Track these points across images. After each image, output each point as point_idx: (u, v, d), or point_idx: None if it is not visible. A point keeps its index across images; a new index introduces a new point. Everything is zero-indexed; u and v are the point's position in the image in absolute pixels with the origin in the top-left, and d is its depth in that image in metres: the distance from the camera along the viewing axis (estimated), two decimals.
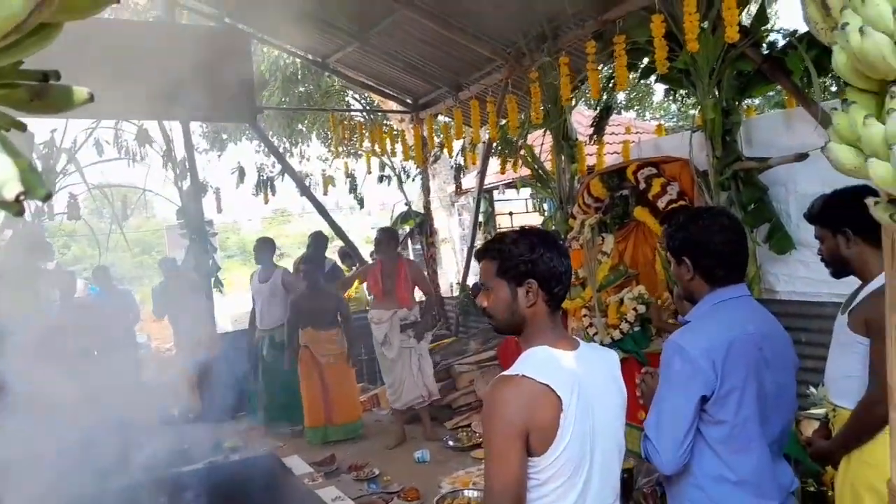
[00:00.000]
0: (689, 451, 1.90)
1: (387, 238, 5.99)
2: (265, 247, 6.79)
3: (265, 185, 8.15)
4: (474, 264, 10.77)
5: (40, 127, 7.07)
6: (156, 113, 7.40)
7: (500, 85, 6.83)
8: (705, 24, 4.41)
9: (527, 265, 1.68)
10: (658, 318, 3.80)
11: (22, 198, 0.61)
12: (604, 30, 5.34)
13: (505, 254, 1.70)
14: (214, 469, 4.56)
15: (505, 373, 1.63)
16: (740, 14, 4.20)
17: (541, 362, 1.63)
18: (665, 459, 1.89)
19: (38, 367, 4.11)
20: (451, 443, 5.74)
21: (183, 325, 7.01)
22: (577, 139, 6.20)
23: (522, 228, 1.83)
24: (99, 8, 0.75)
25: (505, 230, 2.03)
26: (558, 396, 1.56)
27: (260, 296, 6.65)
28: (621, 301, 4.95)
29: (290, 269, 6.88)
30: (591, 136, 6.26)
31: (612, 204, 5.63)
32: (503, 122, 6.91)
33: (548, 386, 1.56)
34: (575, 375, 1.63)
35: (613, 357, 1.83)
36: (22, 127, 0.84)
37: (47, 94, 0.81)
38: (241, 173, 8.16)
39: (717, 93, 4.81)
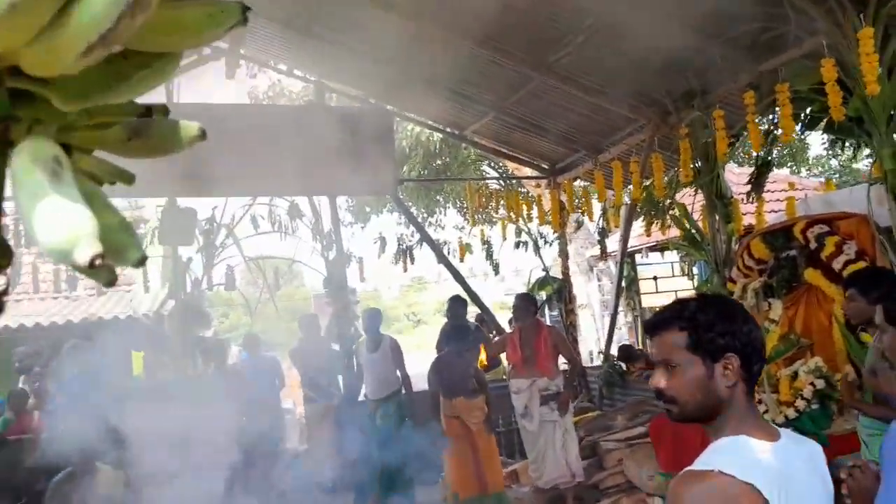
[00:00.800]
0: None
1: (525, 303, 5.80)
2: (375, 316, 6.74)
3: (404, 254, 8.29)
4: (617, 332, 10.27)
5: (202, 204, 7.67)
6: (306, 189, 7.82)
7: (642, 145, 6.58)
8: (879, 69, 3.98)
9: (726, 337, 1.40)
10: (850, 395, 3.29)
11: (98, 262, 0.48)
12: (759, 82, 5.00)
13: (699, 323, 1.42)
14: None
15: (694, 468, 1.36)
16: None
17: (740, 455, 1.36)
18: None
19: (192, 429, 4.27)
20: None
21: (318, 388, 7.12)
22: (732, 197, 5.77)
23: (704, 294, 1.59)
24: (217, 32, 0.63)
25: (682, 297, 1.76)
26: (765, 500, 1.29)
27: (372, 365, 6.60)
28: (795, 375, 4.40)
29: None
30: (748, 194, 5.80)
31: (778, 266, 5.13)
32: (647, 182, 6.63)
33: (751, 485, 1.29)
34: (781, 472, 1.35)
35: (819, 451, 1.50)
36: (129, 179, 0.72)
37: (149, 132, 0.68)
38: (383, 243, 8.37)
39: None
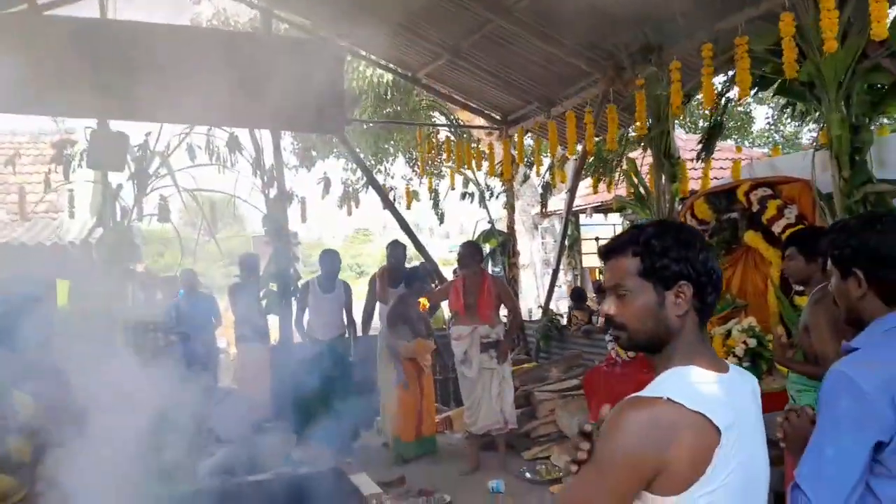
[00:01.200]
0: None
1: (470, 252, 5.73)
2: (335, 258, 6.70)
3: (349, 197, 8.07)
4: (557, 290, 10.37)
5: (135, 130, 7.23)
6: (247, 121, 7.47)
7: (596, 100, 6.50)
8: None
9: (679, 264, 1.34)
10: (782, 353, 3.33)
11: None
12: (716, 39, 4.95)
13: (652, 249, 1.35)
14: (281, 480, 4.36)
15: (641, 393, 1.29)
16: (890, 7, 3.74)
17: (691, 385, 1.30)
18: None
19: (118, 364, 4.06)
20: (528, 475, 5.35)
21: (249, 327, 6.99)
22: (679, 157, 5.78)
23: (662, 221, 1.50)
24: None
25: (639, 223, 1.69)
26: (715, 427, 1.23)
27: (324, 305, 6.47)
28: (728, 333, 4.48)
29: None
30: (698, 155, 5.81)
31: (720, 227, 5.19)
32: (598, 138, 6.57)
33: (701, 415, 1.23)
34: (731, 405, 1.30)
35: (757, 387, 1.46)
36: None
37: None
38: (327, 184, 8.12)
39: (844, 109, 4.33)
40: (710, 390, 1.30)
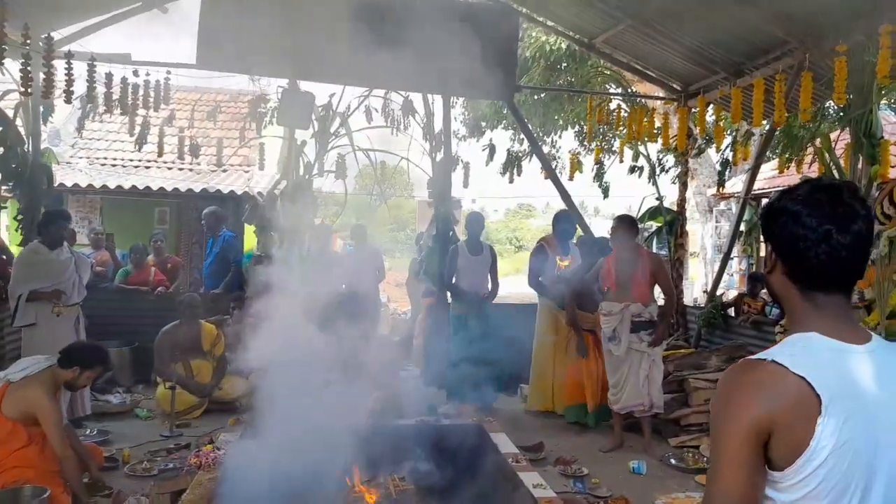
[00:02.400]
0: None
1: (624, 225, 5.48)
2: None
3: (513, 164, 8.07)
4: (727, 279, 9.72)
5: (321, 90, 7.75)
6: (421, 85, 7.70)
7: (789, 71, 5.93)
8: None
9: (766, 223, 1.32)
10: None
11: None
12: None
13: (769, 211, 1.34)
14: (424, 427, 4.54)
15: (750, 357, 1.24)
16: None
17: (800, 349, 1.23)
18: None
19: (292, 307, 4.42)
20: (673, 461, 5.13)
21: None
22: (882, 137, 5.13)
23: (808, 181, 1.37)
24: None
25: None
26: (817, 396, 1.15)
27: (473, 267, 6.61)
28: None
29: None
30: None
31: None
32: (788, 115, 6.01)
33: (804, 380, 1.16)
34: (851, 374, 1.20)
35: None
36: None
37: None
38: (492, 151, 8.18)
39: None
40: (822, 357, 1.21)
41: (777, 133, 6.37)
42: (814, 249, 1.24)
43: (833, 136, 7.34)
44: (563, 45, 10.39)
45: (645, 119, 7.44)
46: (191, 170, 10.33)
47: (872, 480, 1.18)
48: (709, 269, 12.09)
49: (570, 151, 8.79)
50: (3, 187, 7.24)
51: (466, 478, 3.78)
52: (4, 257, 6.69)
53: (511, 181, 8.10)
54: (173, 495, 3.53)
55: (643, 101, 8.27)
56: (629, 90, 8.64)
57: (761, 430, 1.16)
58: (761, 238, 10.30)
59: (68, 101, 6.28)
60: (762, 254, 10.57)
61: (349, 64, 6.97)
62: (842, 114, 5.19)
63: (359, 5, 7.11)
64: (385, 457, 3.83)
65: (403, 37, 6.86)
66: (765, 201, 10.21)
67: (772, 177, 9.18)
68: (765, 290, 7.65)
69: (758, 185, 7.91)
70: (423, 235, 7.88)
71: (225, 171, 10.17)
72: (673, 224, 7.97)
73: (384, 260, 9.17)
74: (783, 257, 1.29)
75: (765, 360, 1.21)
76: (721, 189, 8.11)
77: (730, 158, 7.36)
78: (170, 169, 10.30)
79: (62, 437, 3.74)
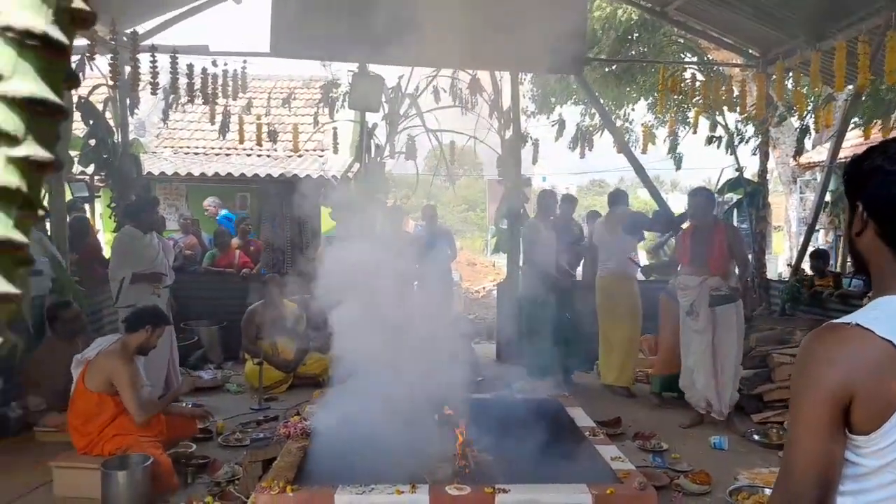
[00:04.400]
0: None
1: (701, 199, 5.39)
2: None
3: (583, 138, 7.97)
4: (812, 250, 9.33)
5: (389, 73, 7.84)
6: (489, 62, 7.69)
7: (875, 32, 5.60)
8: None
9: (855, 181, 1.27)
10: None
11: None
12: None
13: (847, 166, 1.32)
14: (500, 401, 4.62)
15: (834, 321, 1.21)
16: None
17: (888, 312, 1.18)
18: None
19: (370, 286, 4.55)
20: (756, 437, 5.03)
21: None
22: None
23: (876, 145, 1.33)
24: None
25: None
26: None
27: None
28: None
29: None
30: None
31: None
32: (873, 79, 5.69)
33: (891, 343, 1.13)
34: None
35: None
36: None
37: None
38: (561, 126, 8.10)
39: None
40: None
41: (863, 98, 6.03)
42: None
43: None
44: (634, 15, 10.10)
45: (722, 87, 7.19)
46: (268, 156, 10.68)
47: None
48: (794, 242, 11.60)
49: (642, 124, 8.61)
50: (97, 177, 7.70)
51: (543, 450, 3.82)
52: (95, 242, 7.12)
53: (582, 156, 8.00)
54: (265, 463, 3.74)
55: (719, 68, 7.98)
56: (705, 58, 8.35)
57: (842, 395, 1.14)
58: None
59: (153, 92, 6.60)
60: None
61: (417, 45, 7.03)
62: None
63: None
64: (465, 429, 3.91)
65: (470, 14, 6.88)
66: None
67: (858, 144, 8.70)
68: (829, 267, 7.33)
69: (843, 152, 7.51)
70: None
71: (300, 156, 10.45)
72: (754, 196, 7.69)
73: (455, 240, 9.26)
74: (879, 218, 1.25)
75: (849, 323, 1.18)
76: (799, 158, 7.76)
77: (809, 126, 7.03)
78: (248, 156, 10.67)
79: (138, 397, 3.98)
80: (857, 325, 1.17)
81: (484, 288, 12.64)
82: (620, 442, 4.73)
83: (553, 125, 8.19)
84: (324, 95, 8.52)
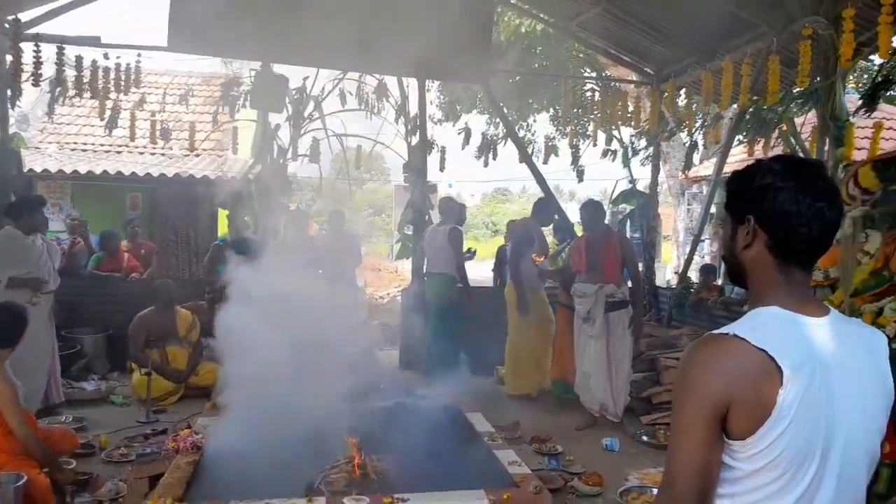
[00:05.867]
0: None
1: (591, 211, 5.65)
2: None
3: (488, 148, 8.10)
4: (699, 261, 9.90)
5: (294, 74, 7.68)
6: (396, 69, 7.69)
7: (759, 53, 6.03)
8: None
9: (745, 196, 1.34)
10: None
11: None
12: None
13: (731, 182, 1.39)
14: (401, 408, 4.60)
15: (714, 331, 1.28)
16: None
17: (762, 323, 1.27)
18: None
19: (269, 292, 4.42)
20: (644, 438, 5.26)
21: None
22: (847, 119, 5.25)
23: (780, 157, 1.42)
24: None
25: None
26: (778, 367, 1.19)
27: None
28: (880, 311, 4.09)
29: None
30: (857, 109, 5.23)
31: (886, 198, 4.69)
32: (757, 98, 6.11)
33: (765, 353, 1.20)
34: (811, 347, 1.24)
35: (880, 341, 1.36)
36: None
37: None
38: (467, 134, 8.20)
39: None
40: (784, 330, 1.25)
41: (746, 116, 6.47)
42: (808, 225, 1.27)
43: (799, 120, 7.50)
44: (539, 28, 10.40)
45: (618, 103, 7.52)
46: (163, 154, 10.21)
47: (829, 448, 1.23)
48: (681, 251, 12.27)
49: (545, 136, 8.86)
50: None
51: (442, 457, 3.83)
52: None
53: (486, 165, 8.13)
54: (151, 479, 3.55)
55: (616, 84, 8.33)
56: (603, 74, 8.70)
57: (720, 403, 1.20)
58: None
59: (36, 84, 6.17)
60: None
61: (323, 47, 6.94)
62: (808, 96, 5.27)
63: None
64: (363, 438, 3.87)
65: (378, 20, 6.86)
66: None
67: (742, 159, 9.33)
68: (716, 281, 7.83)
69: (728, 167, 8.02)
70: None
71: (198, 155, 10.06)
72: (646, 207, 8.08)
73: (361, 245, 9.17)
74: (770, 231, 1.31)
75: (727, 334, 1.24)
76: (687, 172, 8.23)
77: (698, 141, 7.47)
78: (141, 154, 10.17)
79: (15, 412, 3.67)
80: (735, 335, 1.23)
81: (388, 294, 12.62)
82: (518, 446, 4.82)
83: (459, 133, 8.27)
84: (224, 93, 8.24)
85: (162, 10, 6.64)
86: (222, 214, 8.43)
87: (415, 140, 7.97)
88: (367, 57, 7.17)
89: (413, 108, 8.05)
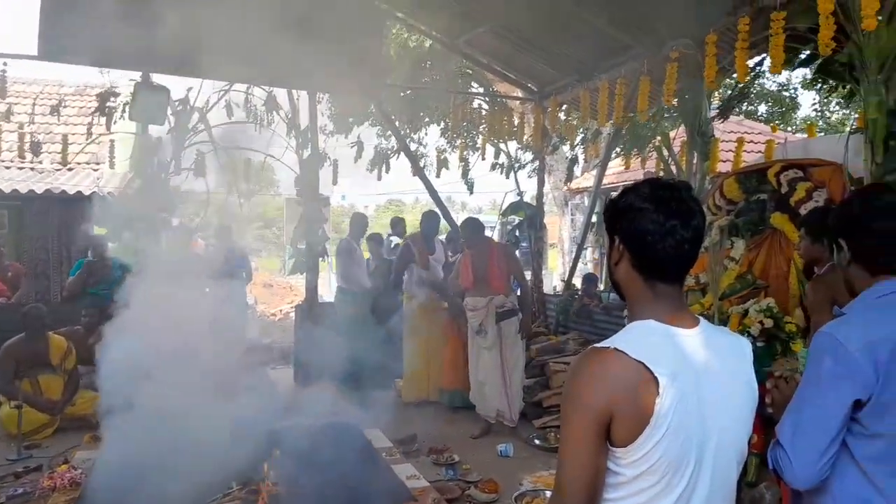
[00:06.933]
0: (829, 465, 1.55)
1: (471, 228, 5.83)
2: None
3: (381, 161, 8.14)
4: (583, 268, 10.36)
5: (177, 85, 7.40)
6: (285, 80, 7.55)
7: (633, 73, 6.43)
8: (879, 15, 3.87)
9: (613, 217, 1.45)
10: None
11: None
12: (757, 17, 4.85)
13: (606, 203, 1.52)
14: (296, 429, 4.51)
15: (596, 345, 1.37)
16: None
17: (639, 336, 1.36)
18: (799, 471, 1.56)
19: (154, 314, 4.23)
20: (537, 441, 5.45)
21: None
22: (713, 135, 5.71)
23: (653, 179, 1.53)
24: None
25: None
26: (655, 377, 1.28)
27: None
28: (745, 313, 4.46)
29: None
30: (715, 117, 5.72)
31: (748, 208, 5.13)
32: (632, 115, 6.52)
33: (642, 364, 1.29)
34: (684, 357, 1.35)
35: (745, 347, 1.49)
36: None
37: None
38: (360, 148, 8.20)
39: (884, 91, 4.23)
40: (659, 342, 1.35)
41: (623, 132, 6.88)
42: (661, 243, 1.37)
43: (672, 134, 8.05)
44: (427, 44, 10.55)
45: (504, 118, 7.78)
46: (32, 169, 9.50)
47: (703, 451, 1.33)
48: (566, 259, 12.80)
49: (436, 148, 9.03)
50: None
51: (341, 477, 3.80)
52: None
53: (379, 178, 8.17)
54: None
55: (503, 99, 8.61)
56: (490, 89, 8.96)
57: (604, 413, 1.28)
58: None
59: None
60: None
61: (208, 57, 6.70)
62: (678, 112, 5.69)
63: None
64: (258, 461, 3.78)
65: (265, 31, 6.72)
66: (614, 195, 11.02)
67: (620, 172, 9.90)
68: (599, 288, 8.28)
69: (607, 179, 8.50)
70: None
71: (71, 169, 9.44)
72: (533, 218, 8.39)
73: (251, 260, 8.93)
74: (631, 249, 1.41)
75: (607, 347, 1.32)
76: (569, 183, 8.63)
77: (579, 155, 7.87)
78: (8, 168, 9.40)
79: None
80: (615, 348, 1.31)
81: (281, 310, 12.33)
82: (416, 459, 4.86)
83: (352, 146, 8.25)
84: (100, 104, 7.78)
85: (30, 16, 6.21)
86: (99, 232, 7.95)
87: (306, 153, 7.87)
88: (254, 68, 7.00)
89: (304, 121, 7.94)
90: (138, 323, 4.05)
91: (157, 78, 7.14)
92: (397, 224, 8.67)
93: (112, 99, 7.88)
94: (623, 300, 1.51)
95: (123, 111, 7.62)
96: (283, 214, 22.47)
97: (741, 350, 1.48)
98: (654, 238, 1.37)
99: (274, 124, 8.06)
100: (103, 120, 7.68)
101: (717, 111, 5.63)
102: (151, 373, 3.84)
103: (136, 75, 7.22)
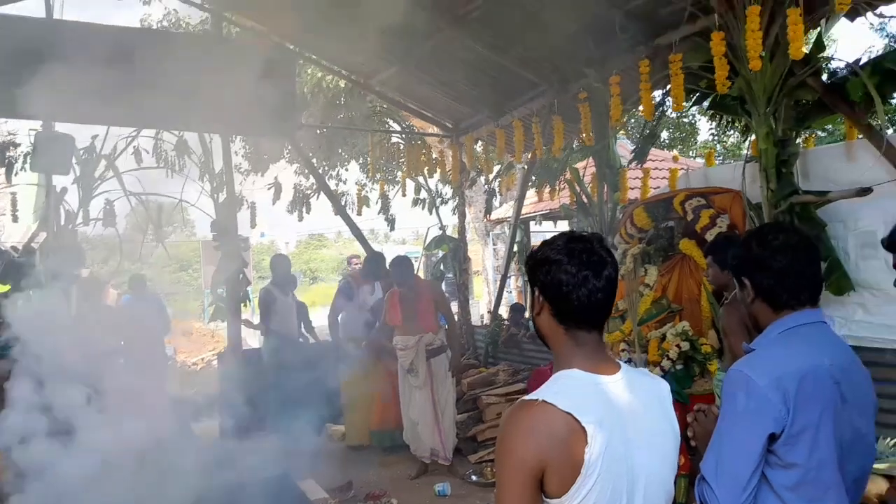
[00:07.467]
0: (751, 497, 1.64)
1: (401, 267, 5.76)
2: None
3: (301, 202, 8.07)
4: (507, 296, 10.53)
5: (81, 133, 7.12)
6: (197, 124, 7.41)
7: (543, 110, 6.68)
8: (763, 54, 4.20)
9: (532, 269, 1.51)
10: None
11: None
12: (654, 55, 5.17)
13: (527, 256, 1.56)
14: (228, 489, 4.35)
15: (526, 397, 1.41)
16: (806, 33, 3.97)
17: (566, 387, 1.41)
18: None
19: (62, 370, 4.01)
20: (473, 477, 5.46)
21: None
22: (621, 166, 5.99)
23: (570, 233, 1.60)
24: None
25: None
26: (583, 427, 1.33)
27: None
28: (663, 337, 4.66)
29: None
30: (630, 160, 6.05)
31: (657, 235, 5.39)
32: (545, 148, 6.76)
33: (570, 415, 1.33)
34: (609, 404, 1.40)
35: (664, 388, 1.57)
36: None
37: None
38: (278, 189, 8.10)
39: (773, 123, 4.57)
40: (583, 391, 1.40)
41: (536, 165, 7.12)
42: (576, 292, 1.42)
43: (581, 165, 8.38)
44: (342, 83, 10.61)
45: (422, 153, 7.90)
46: None
47: (633, 493, 1.38)
48: (491, 287, 13.00)
49: (356, 183, 9.02)
50: None
51: None
52: None
53: (301, 219, 8.09)
54: None
55: (420, 137, 8.75)
56: (406, 126, 9.08)
57: (535, 465, 1.31)
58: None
59: None
60: None
61: (114, 104, 6.50)
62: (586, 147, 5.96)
63: (126, 41, 6.69)
64: None
65: (177, 74, 6.58)
66: (532, 224, 11.32)
67: (535, 202, 10.21)
68: (525, 318, 8.43)
69: (524, 210, 8.73)
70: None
71: None
72: (457, 251, 8.49)
73: (168, 307, 8.61)
74: (550, 300, 1.46)
75: (536, 400, 1.36)
76: (489, 215, 8.82)
77: (496, 188, 8.06)
78: None
79: None
80: (543, 401, 1.34)
81: (203, 359, 11.89)
82: None
83: (269, 188, 8.14)
84: None
85: None
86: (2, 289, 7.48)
87: (222, 196, 7.70)
88: (162, 113, 6.84)
89: (218, 164, 7.79)
90: (43, 383, 3.83)
91: (60, 126, 6.87)
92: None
93: (11, 149, 7.51)
94: (548, 349, 1.55)
95: (25, 161, 7.28)
96: (199, 255, 21.80)
97: (660, 391, 1.55)
98: (568, 288, 1.43)
99: (186, 168, 7.88)
100: (2, 171, 7.30)
101: (632, 153, 5.94)
102: (60, 437, 3.63)
103: (37, 124, 6.92)
